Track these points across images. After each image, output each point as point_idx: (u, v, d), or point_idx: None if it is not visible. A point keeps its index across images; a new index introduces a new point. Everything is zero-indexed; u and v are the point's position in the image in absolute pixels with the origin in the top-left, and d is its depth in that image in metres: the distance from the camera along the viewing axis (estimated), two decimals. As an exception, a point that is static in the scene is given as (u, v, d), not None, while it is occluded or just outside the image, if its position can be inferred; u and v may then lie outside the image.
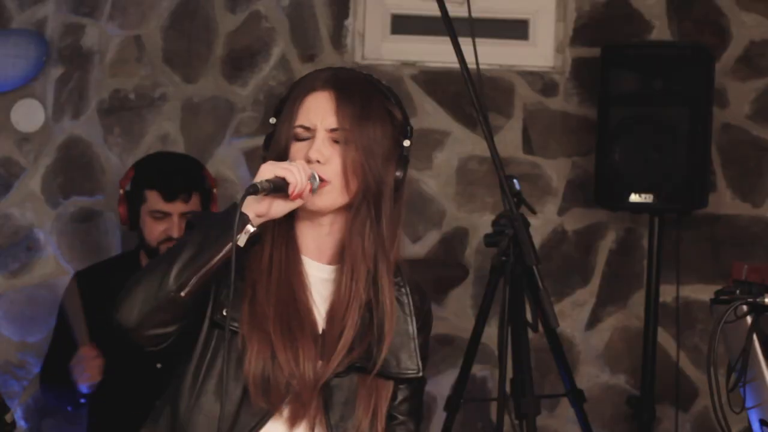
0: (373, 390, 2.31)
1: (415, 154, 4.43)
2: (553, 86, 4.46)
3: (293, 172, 2.18)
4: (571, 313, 4.43)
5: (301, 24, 4.48)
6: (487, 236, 3.29)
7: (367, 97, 2.31)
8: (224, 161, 4.45)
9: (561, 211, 4.46)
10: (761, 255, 4.33)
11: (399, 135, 2.34)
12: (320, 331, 2.30)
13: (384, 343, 2.30)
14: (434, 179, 4.43)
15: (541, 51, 4.50)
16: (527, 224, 3.10)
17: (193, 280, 2.17)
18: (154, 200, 3.77)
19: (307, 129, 2.27)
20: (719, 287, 3.08)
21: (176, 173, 3.83)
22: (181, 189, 3.77)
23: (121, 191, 3.85)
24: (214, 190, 3.90)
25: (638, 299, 4.36)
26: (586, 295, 4.45)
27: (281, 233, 2.30)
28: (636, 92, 4.15)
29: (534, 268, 2.97)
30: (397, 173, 2.31)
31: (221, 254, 2.17)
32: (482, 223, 4.37)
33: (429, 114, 4.44)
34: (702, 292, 4.32)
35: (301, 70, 4.45)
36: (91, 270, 3.98)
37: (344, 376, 2.29)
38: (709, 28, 4.41)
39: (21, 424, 4.26)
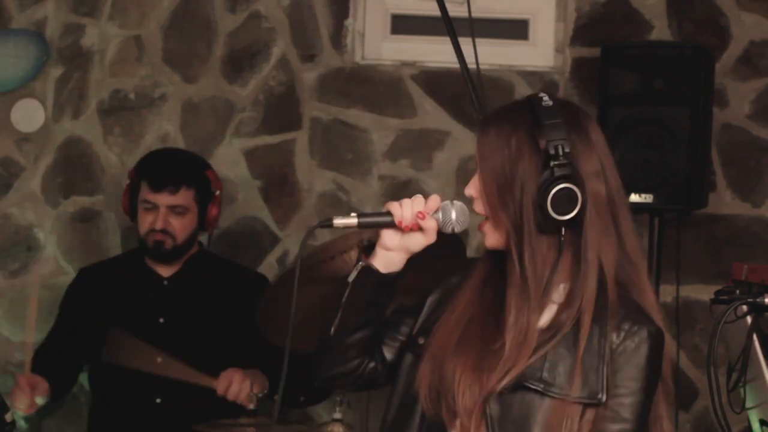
0: (565, 414, 2.14)
1: (415, 154, 4.46)
2: (553, 86, 4.45)
3: (398, 205, 2.26)
4: (571, 313, 4.42)
5: (301, 24, 4.48)
6: (487, 236, 3.28)
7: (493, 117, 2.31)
8: (224, 161, 4.44)
9: (561, 211, 4.45)
10: (761, 255, 4.32)
11: (530, 138, 2.23)
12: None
13: (559, 366, 2.15)
14: (434, 179, 4.43)
15: (541, 51, 4.49)
16: (527, 224, 3.09)
17: (338, 319, 2.29)
18: (144, 190, 3.82)
19: None
20: (719, 287, 3.08)
21: (167, 165, 3.87)
22: (167, 180, 3.80)
23: (128, 181, 3.92)
24: (217, 192, 3.90)
25: (638, 299, 4.35)
26: (586, 295, 4.44)
27: (493, 272, 2.44)
28: (636, 92, 4.14)
29: (534, 268, 2.96)
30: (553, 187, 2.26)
31: (347, 292, 2.28)
32: (482, 223, 4.36)
33: (429, 114, 4.44)
34: (702, 292, 4.31)
35: (301, 70, 4.45)
36: (95, 267, 4.03)
37: (512, 394, 2.15)
38: (709, 28, 4.40)
39: (21, 424, 4.25)
